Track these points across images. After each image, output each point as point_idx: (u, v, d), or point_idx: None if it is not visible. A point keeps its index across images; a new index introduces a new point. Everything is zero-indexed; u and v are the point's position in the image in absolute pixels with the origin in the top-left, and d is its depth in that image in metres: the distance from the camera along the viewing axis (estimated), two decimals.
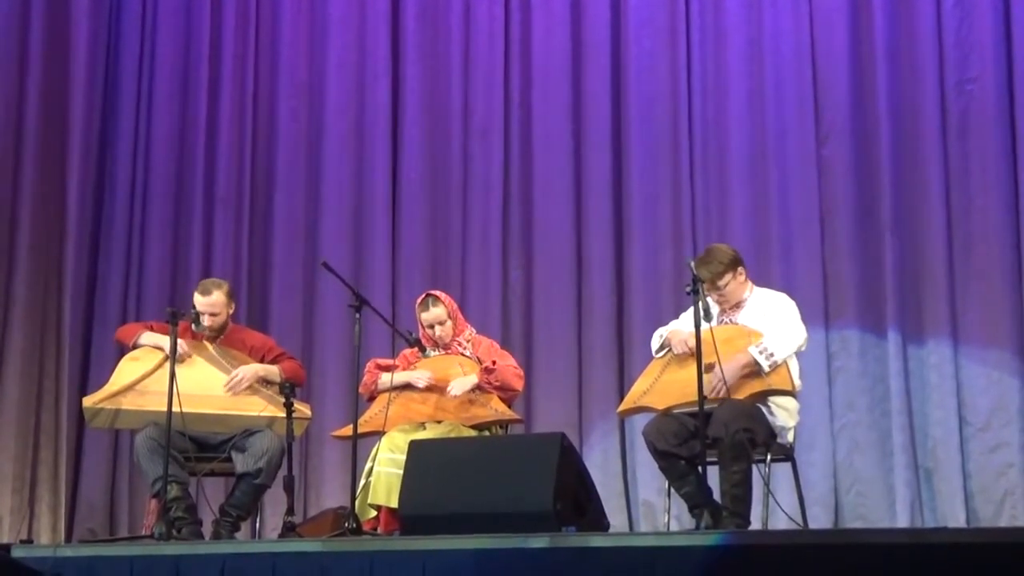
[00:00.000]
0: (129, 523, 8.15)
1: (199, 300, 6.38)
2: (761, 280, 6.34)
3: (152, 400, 6.15)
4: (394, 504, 5.79)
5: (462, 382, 6.28)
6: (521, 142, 8.34)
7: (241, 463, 6.15)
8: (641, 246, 7.95)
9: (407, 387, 6.36)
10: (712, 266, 5.91)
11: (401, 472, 5.62)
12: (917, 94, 7.57)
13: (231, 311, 6.53)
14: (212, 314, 6.39)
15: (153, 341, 6.35)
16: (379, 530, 5.99)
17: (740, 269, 6.00)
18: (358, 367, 6.15)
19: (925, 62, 7.57)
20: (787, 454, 5.95)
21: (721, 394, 5.64)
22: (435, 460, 5.49)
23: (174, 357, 5.95)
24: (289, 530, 5.91)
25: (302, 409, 6.28)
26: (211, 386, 6.28)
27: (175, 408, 5.82)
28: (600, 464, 7.66)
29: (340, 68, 8.65)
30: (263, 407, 6.28)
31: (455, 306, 6.55)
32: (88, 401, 6.30)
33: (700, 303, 5.46)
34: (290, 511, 5.97)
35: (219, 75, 8.72)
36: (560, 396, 7.95)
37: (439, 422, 6.22)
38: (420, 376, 6.34)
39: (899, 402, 7.31)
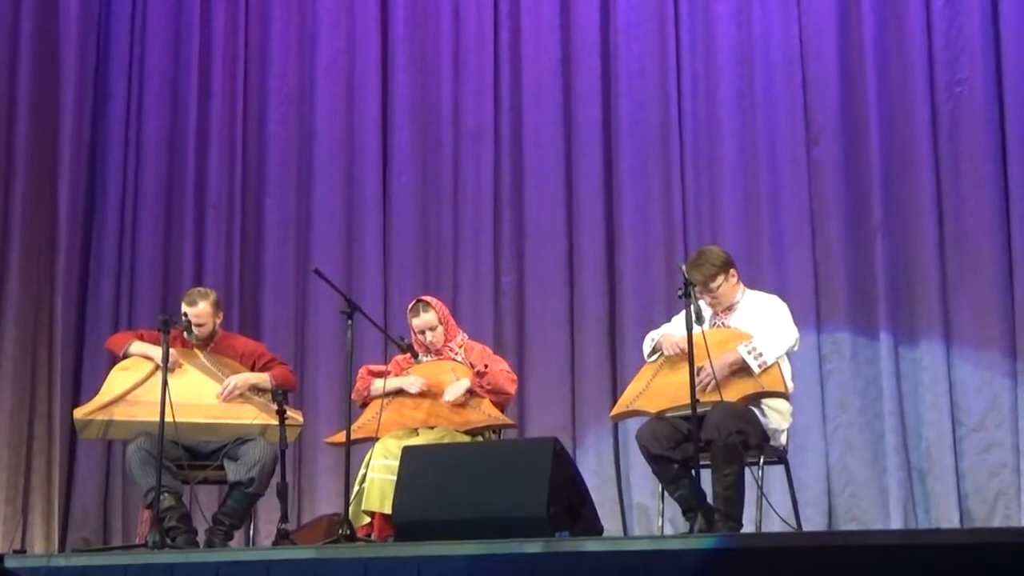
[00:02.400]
0: (123, 532, 8.14)
1: (187, 310, 6.37)
2: (753, 282, 6.35)
3: (143, 410, 6.14)
4: (388, 510, 5.79)
5: (455, 387, 6.27)
6: (512, 145, 8.34)
7: (233, 472, 6.14)
8: (633, 249, 7.95)
9: (400, 393, 6.35)
10: (704, 268, 5.92)
11: (394, 478, 5.62)
12: (907, 95, 7.58)
13: (219, 320, 6.51)
14: (198, 324, 6.38)
15: (143, 351, 6.34)
16: (373, 536, 5.98)
17: (732, 271, 6.01)
18: (350, 373, 6.15)
19: (915, 63, 7.58)
20: (780, 456, 5.96)
21: (710, 389, 5.64)
22: (428, 466, 5.49)
23: (166, 365, 5.93)
24: (283, 537, 5.91)
25: (294, 416, 6.27)
26: (203, 394, 6.27)
27: (167, 417, 5.80)
28: (593, 468, 7.66)
29: (330, 74, 8.65)
30: (255, 415, 6.27)
31: (446, 311, 6.54)
32: (79, 413, 6.28)
33: (692, 306, 5.46)
34: (284, 518, 5.97)
35: (209, 81, 8.71)
36: (553, 400, 7.95)
37: (432, 428, 6.21)
38: (412, 382, 6.33)
39: (892, 403, 7.32)
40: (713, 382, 5.64)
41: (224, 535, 6.14)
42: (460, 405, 6.26)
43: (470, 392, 6.28)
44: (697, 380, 5.50)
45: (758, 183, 7.81)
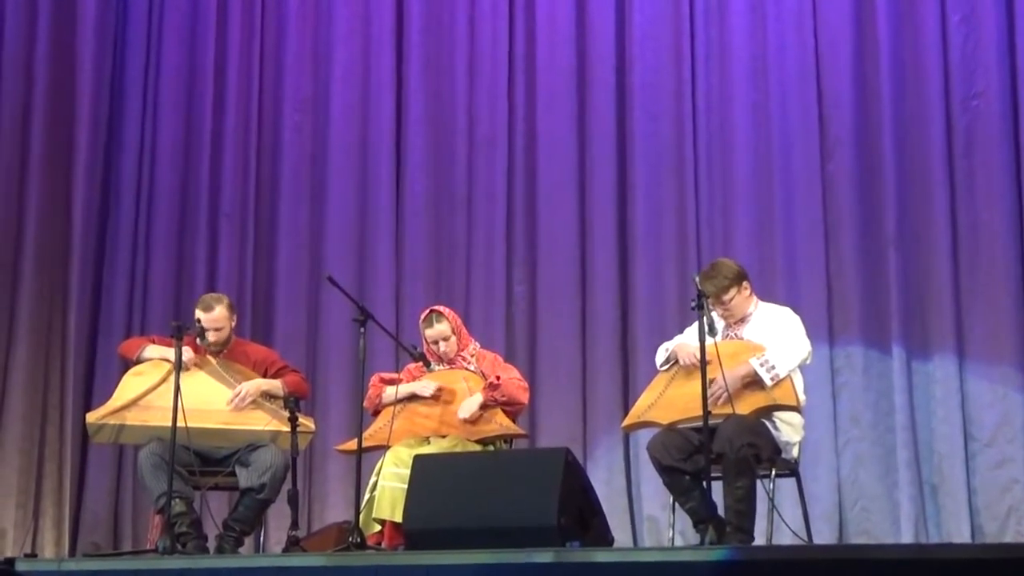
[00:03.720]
0: (133, 537, 8.14)
1: (202, 316, 6.37)
2: (765, 296, 6.34)
3: (156, 415, 6.14)
4: (398, 518, 5.79)
5: (469, 404, 6.25)
6: (525, 155, 8.34)
7: (245, 478, 6.14)
8: (645, 260, 7.95)
9: (412, 399, 6.35)
10: (717, 280, 5.92)
11: (405, 486, 5.62)
12: (922, 109, 7.58)
13: (233, 324, 6.53)
14: (216, 329, 6.39)
15: (158, 353, 6.34)
16: (383, 545, 5.98)
17: (745, 284, 6.00)
18: (363, 381, 6.15)
19: (930, 78, 7.58)
20: (792, 469, 5.95)
21: (722, 401, 5.63)
22: (439, 475, 5.49)
23: (179, 372, 5.93)
24: (293, 544, 5.90)
25: (306, 423, 6.27)
26: (215, 400, 6.27)
27: (179, 423, 5.81)
28: (604, 479, 7.65)
29: (345, 81, 8.66)
30: (267, 421, 6.27)
31: (459, 321, 6.54)
32: (92, 417, 6.29)
33: (705, 318, 5.46)
34: (294, 525, 5.96)
35: (224, 89, 8.73)
36: (564, 411, 7.94)
37: (444, 436, 6.21)
38: (425, 385, 6.33)
39: (904, 417, 7.30)
40: (725, 395, 5.64)
41: (235, 541, 6.14)
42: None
43: (483, 405, 6.27)
44: (709, 393, 5.49)
45: (772, 196, 7.80)
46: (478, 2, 8.53)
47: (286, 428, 6.12)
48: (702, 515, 5.64)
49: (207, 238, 8.58)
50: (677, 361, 5.95)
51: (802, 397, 5.90)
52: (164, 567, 5.22)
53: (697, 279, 5.72)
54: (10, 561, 5.43)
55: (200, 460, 6.17)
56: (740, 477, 5.59)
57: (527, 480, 5.30)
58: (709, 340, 5.46)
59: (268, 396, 6.36)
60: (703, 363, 5.43)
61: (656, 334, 7.32)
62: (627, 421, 6.10)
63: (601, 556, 4.67)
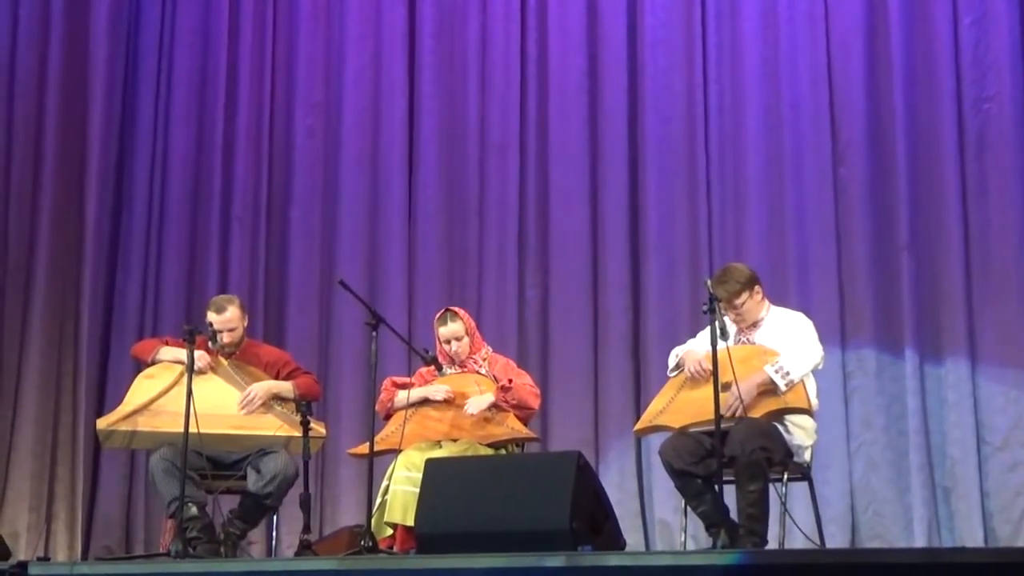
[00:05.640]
0: (145, 541, 8.15)
1: (214, 319, 6.38)
2: (777, 299, 6.33)
3: (166, 421, 6.15)
4: (410, 522, 5.79)
5: (478, 401, 6.28)
6: (537, 159, 8.34)
7: (252, 482, 6.16)
8: (657, 264, 7.94)
9: (424, 404, 6.36)
10: (729, 285, 5.92)
11: (417, 490, 5.62)
12: (934, 113, 7.57)
13: (245, 324, 6.54)
14: (230, 330, 6.40)
15: (173, 355, 6.35)
16: (395, 548, 5.99)
17: (757, 288, 6.00)
18: (374, 385, 6.15)
19: (942, 81, 7.56)
20: (804, 473, 5.94)
21: (738, 413, 5.64)
22: (451, 478, 5.49)
23: (191, 377, 5.94)
24: (305, 548, 5.91)
25: (317, 428, 6.27)
26: (226, 404, 6.28)
27: (191, 428, 5.81)
28: (616, 483, 7.65)
29: (356, 86, 8.67)
30: (278, 426, 6.27)
31: (473, 323, 6.55)
32: (102, 423, 6.29)
33: (716, 322, 5.45)
34: (306, 529, 5.97)
35: (236, 94, 8.73)
36: (576, 414, 7.94)
37: (455, 440, 6.22)
38: (437, 389, 6.34)
39: (916, 421, 7.29)
40: (740, 409, 5.63)
41: (237, 537, 6.16)
42: (484, 419, 6.27)
43: (494, 407, 6.28)
44: (723, 407, 5.48)
45: (784, 200, 7.79)
46: (490, 6, 8.52)
47: (297, 433, 6.12)
48: (714, 519, 5.64)
49: (219, 242, 8.59)
50: None
51: (814, 400, 5.89)
52: (177, 571, 5.23)
53: (709, 283, 5.72)
54: (23, 564, 5.44)
55: (211, 464, 6.19)
56: (752, 481, 5.59)
57: (539, 484, 5.30)
58: (721, 344, 5.45)
59: (278, 398, 6.37)
60: (715, 367, 5.42)
61: (668, 338, 7.32)
62: (639, 425, 6.11)
63: (613, 560, 4.66)
